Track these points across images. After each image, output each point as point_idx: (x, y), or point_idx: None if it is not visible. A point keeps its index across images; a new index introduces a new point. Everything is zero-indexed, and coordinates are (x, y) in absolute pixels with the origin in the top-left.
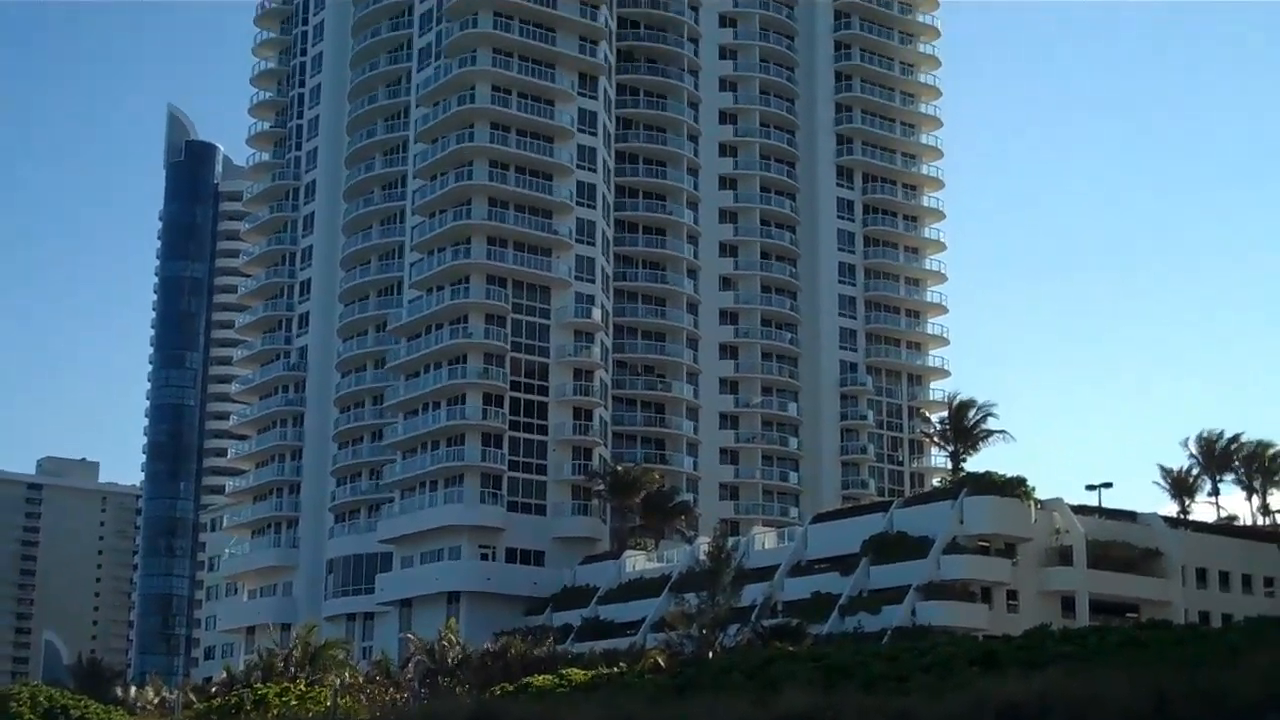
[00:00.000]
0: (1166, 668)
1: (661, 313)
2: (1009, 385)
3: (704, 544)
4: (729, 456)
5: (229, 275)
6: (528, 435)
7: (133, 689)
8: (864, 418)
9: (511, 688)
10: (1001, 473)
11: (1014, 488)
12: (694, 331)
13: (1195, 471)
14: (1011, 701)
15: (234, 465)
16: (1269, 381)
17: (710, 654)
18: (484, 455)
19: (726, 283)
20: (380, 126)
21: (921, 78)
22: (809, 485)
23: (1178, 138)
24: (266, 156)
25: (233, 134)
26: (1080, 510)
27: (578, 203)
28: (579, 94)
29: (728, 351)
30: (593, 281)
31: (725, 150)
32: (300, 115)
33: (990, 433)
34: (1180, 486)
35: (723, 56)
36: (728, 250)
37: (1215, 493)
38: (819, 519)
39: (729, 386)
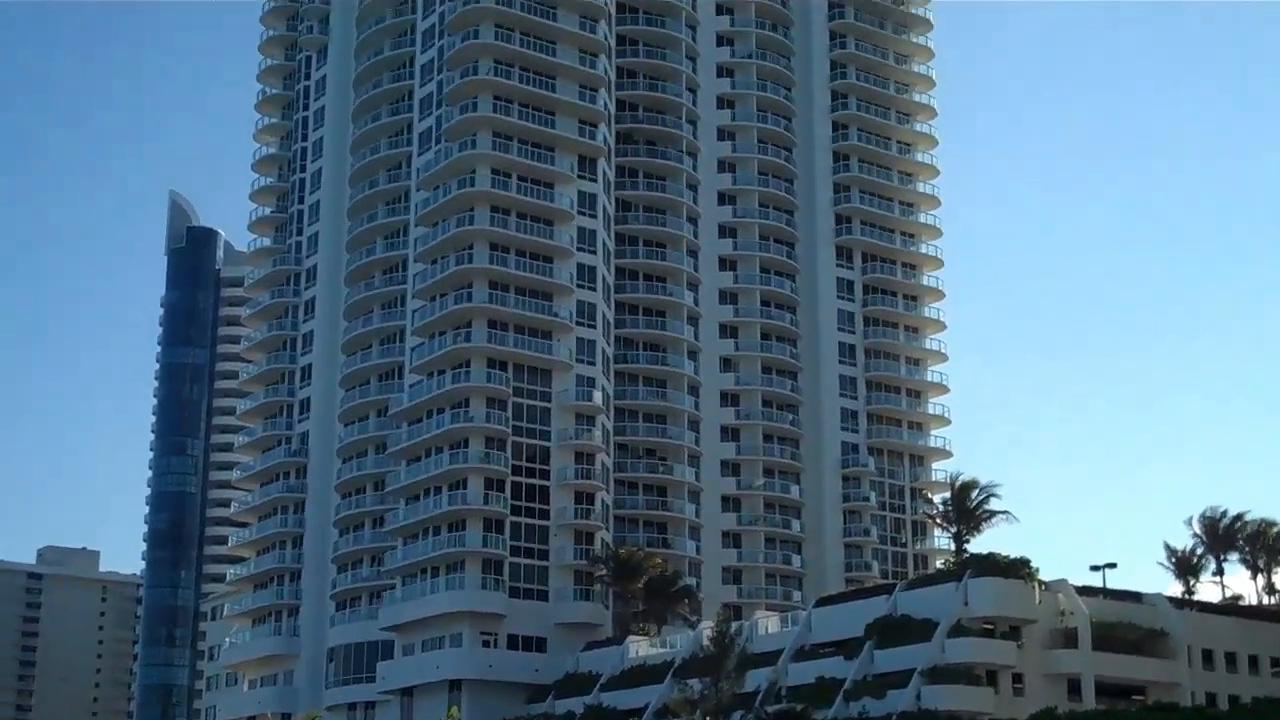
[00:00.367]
0: None
1: (662, 395)
2: (1011, 464)
3: (707, 629)
4: (731, 539)
5: (230, 361)
6: (529, 520)
7: None
8: (866, 499)
9: None
10: (1005, 554)
11: (1018, 569)
12: (695, 413)
13: (1199, 551)
14: None
15: (235, 553)
16: (1273, 459)
17: None
18: (485, 540)
19: (727, 364)
20: (381, 210)
21: (919, 156)
22: (812, 568)
23: (1178, 216)
24: (268, 241)
25: (234, 218)
26: (1085, 591)
27: (578, 285)
28: (579, 176)
29: (729, 433)
30: (593, 364)
31: (725, 231)
32: (301, 200)
33: (993, 513)
34: (1184, 566)
35: (721, 138)
36: (728, 331)
37: (1220, 572)
38: (822, 602)
39: (731, 469)
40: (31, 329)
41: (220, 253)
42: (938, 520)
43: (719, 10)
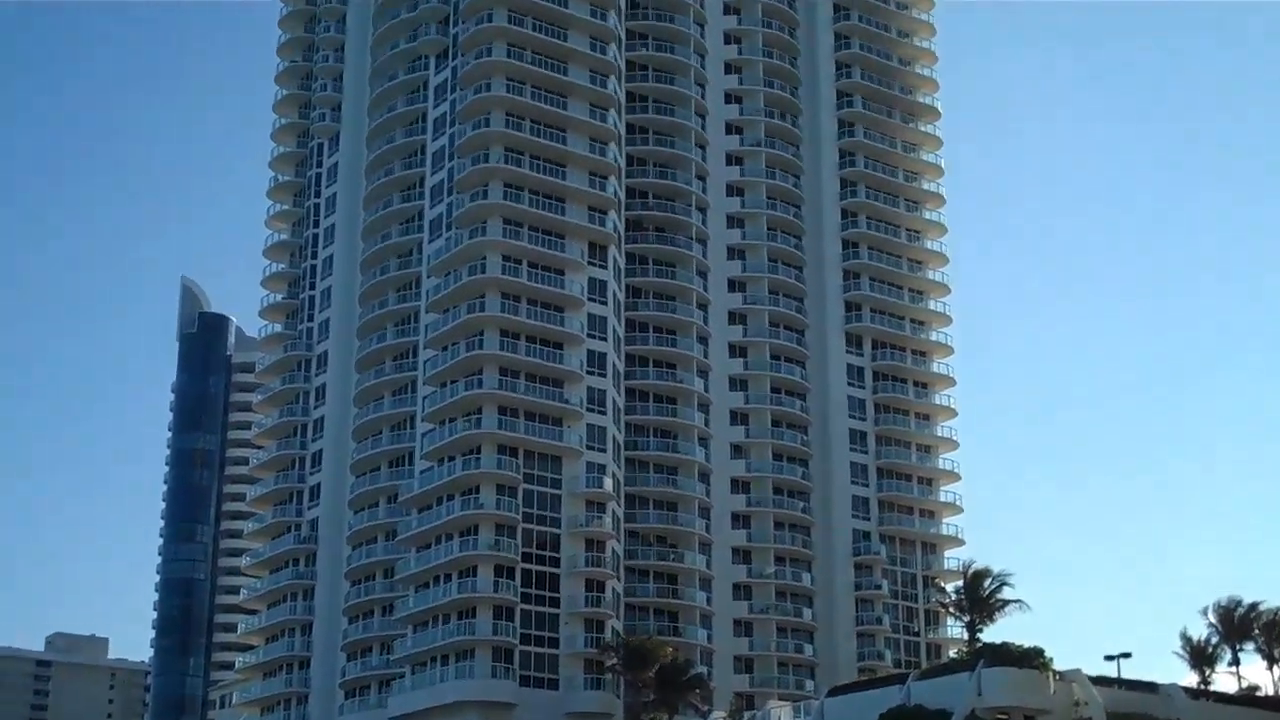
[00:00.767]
0: None
1: (674, 481)
2: (1024, 551)
3: (719, 719)
4: (743, 628)
5: (240, 447)
6: (539, 608)
7: None
8: (879, 587)
9: None
10: (1019, 643)
11: (1032, 659)
12: (706, 500)
13: (1215, 641)
14: None
15: (244, 640)
16: None
17: None
18: (495, 629)
19: (738, 450)
20: (392, 297)
21: (928, 244)
22: (824, 657)
23: (1192, 301)
24: (279, 327)
25: (246, 303)
26: (1100, 681)
27: (588, 372)
28: (589, 263)
29: (740, 521)
30: (604, 450)
31: (734, 318)
32: (312, 286)
33: (1006, 602)
34: (1200, 656)
35: (730, 225)
36: (739, 418)
37: (1235, 662)
38: (835, 692)
39: (742, 556)
40: (42, 413)
41: (232, 338)
42: (950, 609)
43: (728, 99)
